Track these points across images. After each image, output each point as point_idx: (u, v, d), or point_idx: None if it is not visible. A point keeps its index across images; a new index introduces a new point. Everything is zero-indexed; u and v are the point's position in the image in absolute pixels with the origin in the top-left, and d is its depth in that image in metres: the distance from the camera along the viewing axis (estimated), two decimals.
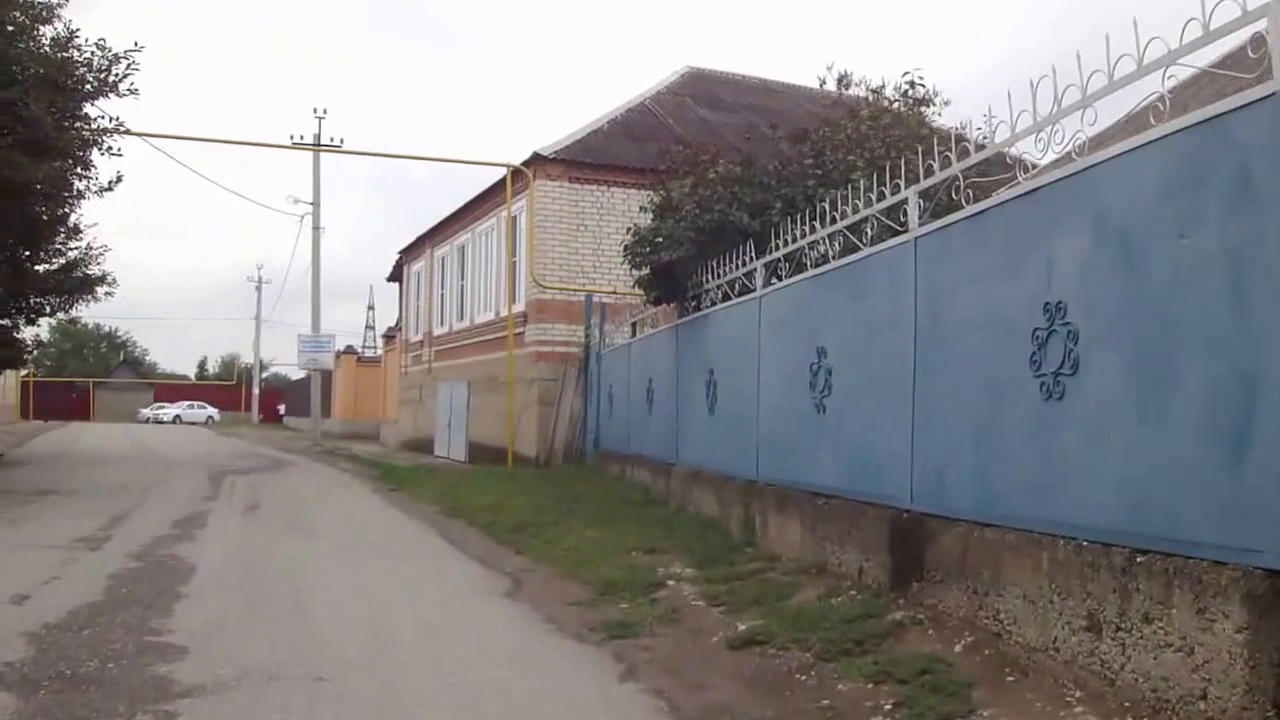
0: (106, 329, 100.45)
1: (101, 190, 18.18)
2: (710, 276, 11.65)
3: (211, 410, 68.89)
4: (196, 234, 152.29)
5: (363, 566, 9.68)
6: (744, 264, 10.57)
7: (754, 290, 10.16)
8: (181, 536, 11.17)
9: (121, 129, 16.85)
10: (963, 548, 6.15)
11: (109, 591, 8.02)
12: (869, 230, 7.91)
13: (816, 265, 8.79)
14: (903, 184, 7.29)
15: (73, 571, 8.89)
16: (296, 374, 55.69)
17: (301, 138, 36.44)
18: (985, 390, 6.15)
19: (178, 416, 66.35)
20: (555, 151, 22.06)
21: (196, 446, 32.44)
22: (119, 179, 18.26)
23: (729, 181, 11.53)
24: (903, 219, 7.24)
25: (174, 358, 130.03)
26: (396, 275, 35.63)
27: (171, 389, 78.07)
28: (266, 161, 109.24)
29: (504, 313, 23.39)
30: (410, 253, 32.83)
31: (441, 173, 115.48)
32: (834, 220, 8.41)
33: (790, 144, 11.94)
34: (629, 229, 13.02)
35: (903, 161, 7.36)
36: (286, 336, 41.12)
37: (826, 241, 8.57)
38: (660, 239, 12.08)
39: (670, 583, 8.35)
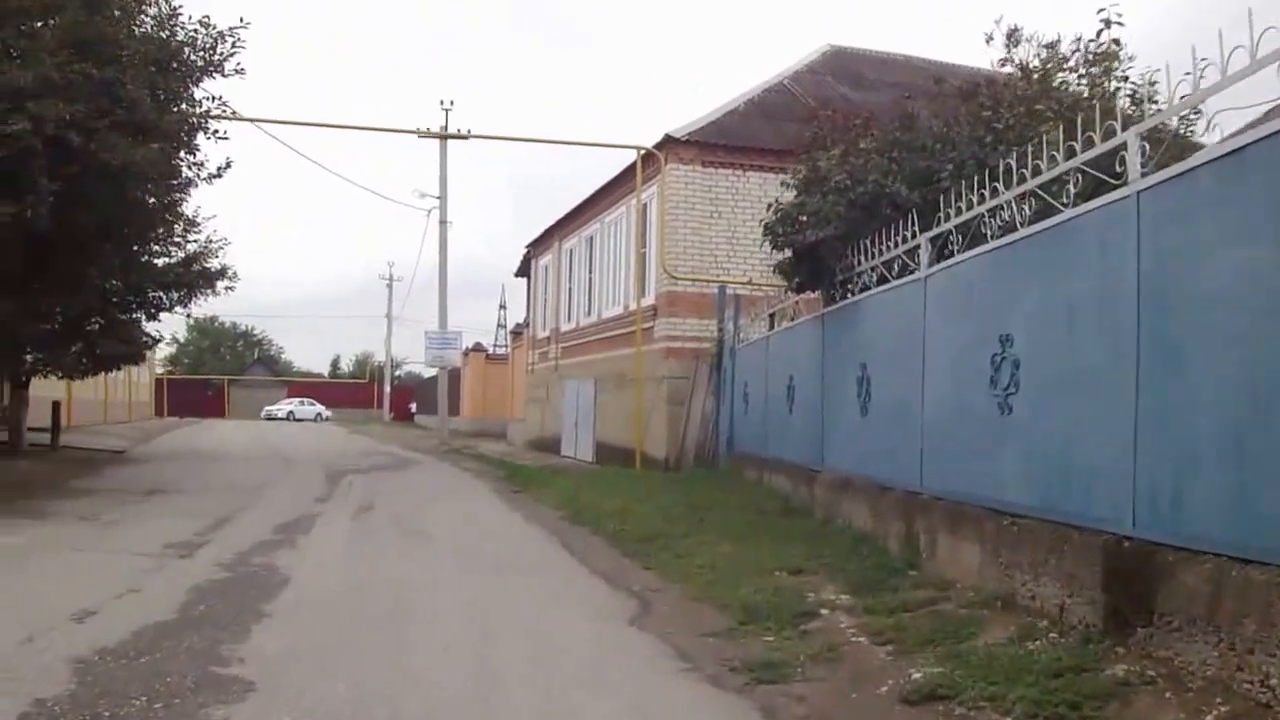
0: (243, 327, 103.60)
1: (210, 176, 17.81)
2: (863, 257, 10.36)
3: (319, 407, 69.95)
4: (325, 231, 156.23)
5: (474, 581, 8.72)
6: (904, 240, 9.29)
7: (917, 270, 8.87)
8: (282, 543, 10.45)
9: (229, 113, 16.41)
10: (1213, 589, 4.80)
11: (184, 609, 7.22)
12: (1069, 189, 6.56)
13: (998, 236, 7.45)
14: (1118, 126, 5.94)
15: (153, 583, 8.17)
16: (430, 372, 56.26)
17: (428, 129, 36.28)
18: (1246, 385, 4.80)
19: (290, 413, 67.49)
20: (688, 133, 21.03)
21: (321, 444, 32.45)
22: (228, 165, 17.87)
23: (886, 147, 10.22)
24: (1118, 169, 5.89)
25: (309, 356, 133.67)
26: (524, 270, 35.12)
27: (304, 387, 79.79)
28: (393, 156, 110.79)
29: (633, 306, 22.43)
30: (538, 246, 32.23)
31: (573, 166, 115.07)
32: (1022, 179, 7.07)
33: (960, 100, 10.53)
34: (769, 205, 11.80)
35: (1117, 99, 5.99)
36: (419, 335, 41.25)
37: (1012, 205, 7.23)
38: (805, 216, 10.85)
39: (823, 612, 7.13)
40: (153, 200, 16.60)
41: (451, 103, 36.18)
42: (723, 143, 21.12)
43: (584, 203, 26.67)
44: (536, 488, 16.80)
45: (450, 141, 36.28)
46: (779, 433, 13.84)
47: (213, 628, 6.64)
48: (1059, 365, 6.48)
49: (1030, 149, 6.99)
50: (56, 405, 24.32)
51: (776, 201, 11.65)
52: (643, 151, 21.11)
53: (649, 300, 21.50)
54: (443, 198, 35.61)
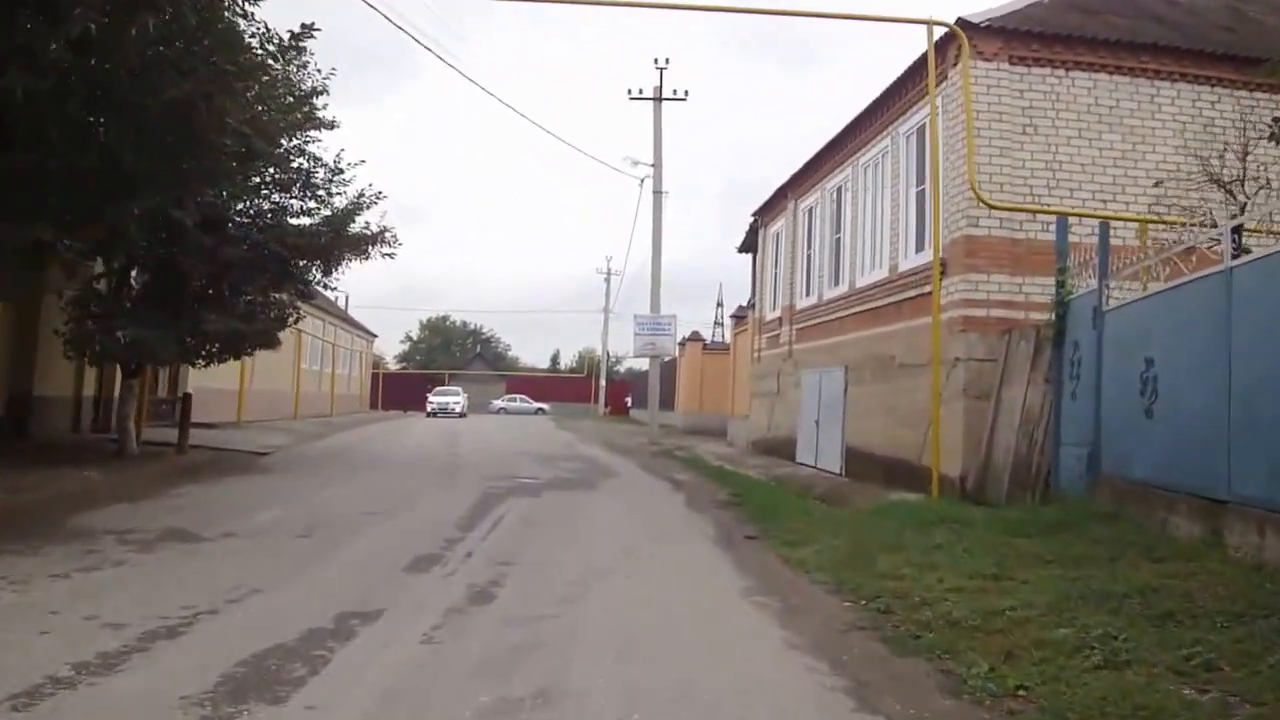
0: (473, 325, 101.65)
1: (281, 49, 11.86)
2: None
3: (462, 399, 59.12)
4: (542, 222, 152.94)
5: None
6: None
7: None
8: None
9: None
10: None
11: None
12: None
13: None
14: None
15: None
16: (646, 364, 50.04)
17: (640, 92, 30.21)
18: None
19: (450, 406, 54.93)
20: (988, 19, 13.88)
21: (514, 443, 26.39)
22: (308, 30, 11.88)
23: None
24: None
25: (536, 352, 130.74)
26: (749, 244, 28.40)
27: (523, 381, 75.55)
28: (603, 122, 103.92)
29: (905, 265, 15.46)
30: (766, 212, 25.44)
31: (791, 140, 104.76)
32: None
33: None
34: None
35: None
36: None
37: None
38: None
39: None
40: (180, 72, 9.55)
41: (666, 61, 29.93)
42: (1038, 31, 13.88)
43: (829, 146, 19.72)
44: (782, 530, 9.94)
45: (665, 113, 30.09)
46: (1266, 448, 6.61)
47: None
48: None
49: None
50: (186, 399, 19.20)
51: None
52: (944, 29, 13.79)
53: (931, 255, 14.47)
54: (657, 165, 29.48)
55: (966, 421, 13.03)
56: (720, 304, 66.49)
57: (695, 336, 38.46)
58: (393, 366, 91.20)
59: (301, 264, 16.70)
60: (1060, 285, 11.54)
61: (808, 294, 21.26)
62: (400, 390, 64.41)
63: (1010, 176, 13.33)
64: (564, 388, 73.42)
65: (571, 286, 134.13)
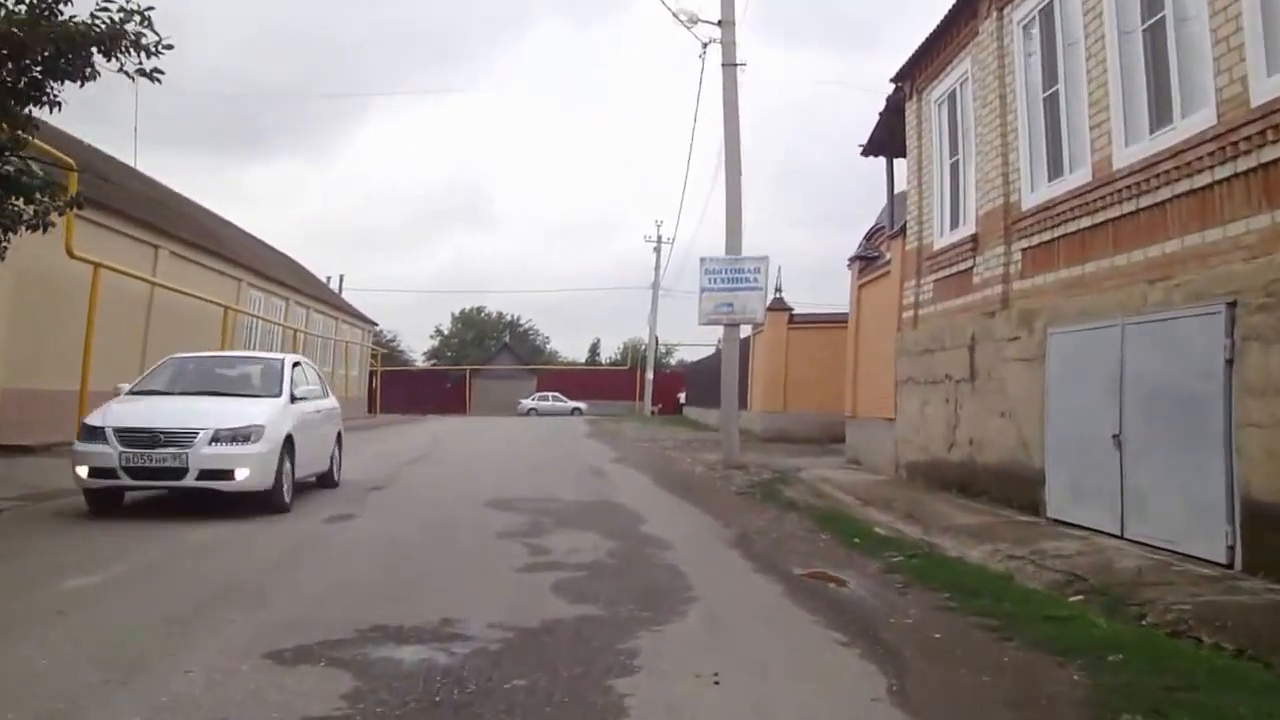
0: (509, 317, 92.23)
1: None
2: None
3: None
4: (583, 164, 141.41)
5: None
6: None
7: None
8: None
9: None
10: None
11: None
12: None
13: None
14: None
15: None
16: (703, 345, 39.66)
17: None
18: None
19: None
20: None
21: (495, 474, 14.94)
22: None
23: None
24: None
25: (575, 345, 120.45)
26: (880, 142, 17.64)
27: (557, 376, 65.12)
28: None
29: None
30: (924, 63, 14.70)
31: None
32: None
33: None
34: None
35: None
36: (694, 309, 23.26)
37: None
38: None
39: None
40: None
41: None
42: None
43: None
44: None
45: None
46: None
47: None
48: None
49: None
50: None
51: None
52: None
53: None
54: (727, 22, 18.90)
55: None
56: (779, 289, 55.63)
57: (778, 304, 27.56)
58: (421, 363, 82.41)
59: None
60: None
61: (1053, 175, 10.68)
62: (406, 390, 54.30)
63: None
64: (604, 382, 63.03)
65: (616, 271, 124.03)
